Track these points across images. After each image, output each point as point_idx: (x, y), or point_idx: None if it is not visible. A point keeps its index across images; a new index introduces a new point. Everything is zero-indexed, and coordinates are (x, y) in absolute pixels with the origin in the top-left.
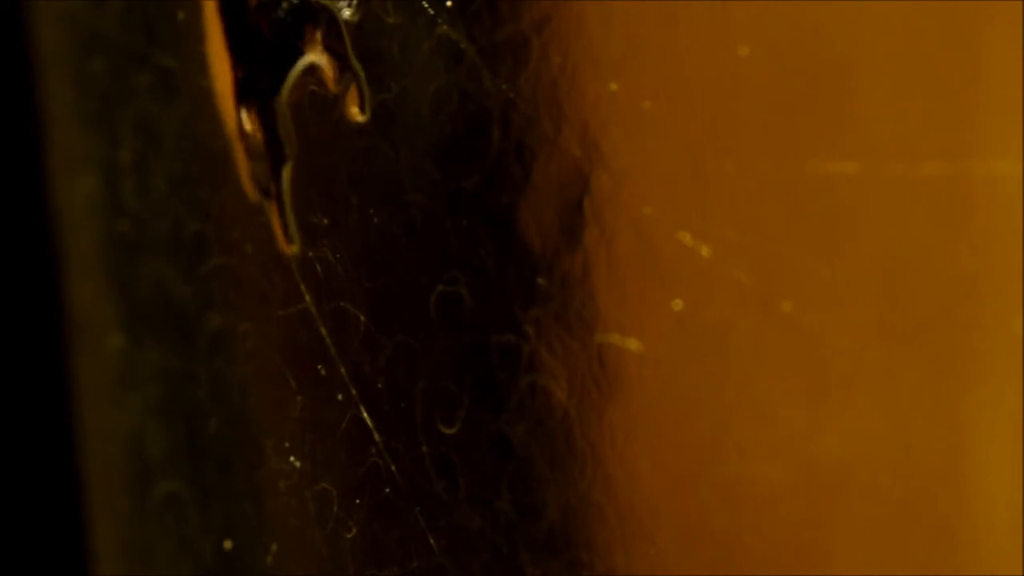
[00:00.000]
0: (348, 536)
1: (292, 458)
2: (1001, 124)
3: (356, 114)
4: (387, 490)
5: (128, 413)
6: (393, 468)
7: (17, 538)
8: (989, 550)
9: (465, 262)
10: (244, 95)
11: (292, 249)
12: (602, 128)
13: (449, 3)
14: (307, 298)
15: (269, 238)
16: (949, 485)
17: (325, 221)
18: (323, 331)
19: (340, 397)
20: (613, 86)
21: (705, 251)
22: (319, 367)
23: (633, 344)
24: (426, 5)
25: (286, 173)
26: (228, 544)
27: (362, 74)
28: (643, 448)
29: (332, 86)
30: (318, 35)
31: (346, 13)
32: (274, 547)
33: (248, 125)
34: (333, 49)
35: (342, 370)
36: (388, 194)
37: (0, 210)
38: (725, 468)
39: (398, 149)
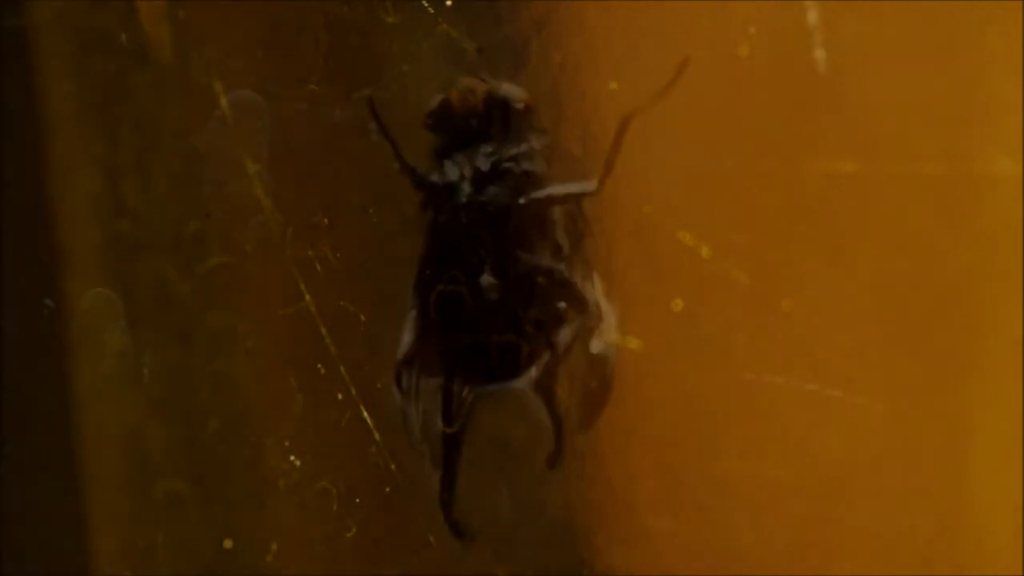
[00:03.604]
0: (348, 535)
1: (292, 457)
2: (1001, 124)
3: None
4: (387, 489)
5: (128, 413)
6: (393, 468)
7: (17, 538)
8: (989, 550)
9: (465, 262)
10: None
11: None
12: (602, 128)
13: (449, 3)
14: (307, 298)
15: (269, 238)
16: (949, 485)
17: (325, 221)
18: (323, 331)
19: (340, 396)
20: (613, 85)
21: (705, 251)
22: (319, 366)
23: (633, 344)
24: (426, 5)
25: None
26: (228, 543)
27: None
28: (643, 448)
29: None
30: None
31: None
32: (274, 546)
33: None
34: None
35: (342, 370)
36: (388, 194)
37: (0, 210)
38: (725, 468)
39: (398, 149)
